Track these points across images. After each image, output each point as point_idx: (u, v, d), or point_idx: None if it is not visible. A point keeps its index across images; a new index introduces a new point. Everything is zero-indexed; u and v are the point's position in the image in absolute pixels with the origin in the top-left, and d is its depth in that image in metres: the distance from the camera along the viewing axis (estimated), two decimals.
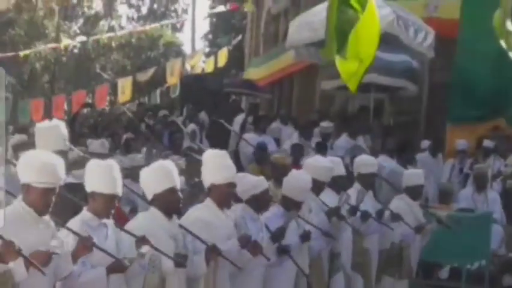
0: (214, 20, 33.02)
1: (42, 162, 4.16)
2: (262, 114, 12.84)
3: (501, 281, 8.65)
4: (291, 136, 11.44)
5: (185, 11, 38.97)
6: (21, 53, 21.98)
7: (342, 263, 6.78)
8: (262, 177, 5.78)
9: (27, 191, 4.15)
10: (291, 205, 5.92)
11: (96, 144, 8.72)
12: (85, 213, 4.58)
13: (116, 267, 4.41)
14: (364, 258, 7.13)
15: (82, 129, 11.93)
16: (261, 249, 5.32)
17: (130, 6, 40.04)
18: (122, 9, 40.35)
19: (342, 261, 6.81)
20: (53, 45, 23.47)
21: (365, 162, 7.37)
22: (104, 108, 18.58)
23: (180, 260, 4.68)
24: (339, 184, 6.78)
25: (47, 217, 4.24)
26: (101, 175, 4.54)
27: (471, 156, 11.33)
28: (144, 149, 9.07)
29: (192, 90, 15.25)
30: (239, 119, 12.31)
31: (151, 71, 22.58)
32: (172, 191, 4.84)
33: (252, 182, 5.64)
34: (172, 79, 21.07)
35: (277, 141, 11.07)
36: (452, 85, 11.93)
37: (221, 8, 26.02)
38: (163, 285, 4.71)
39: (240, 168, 8.92)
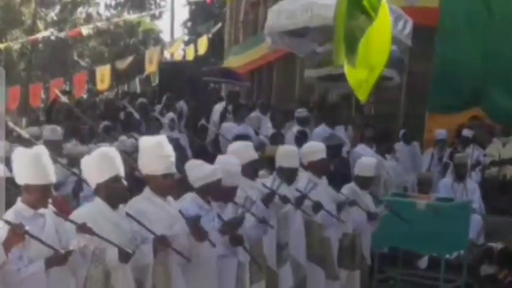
0: (193, 7, 32.82)
1: None
2: (241, 103, 12.74)
3: (479, 270, 8.67)
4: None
5: None
6: (1, 46, 21.70)
7: (289, 253, 6.58)
8: (217, 167, 5.49)
9: None
10: (228, 193, 5.63)
11: (47, 130, 8.32)
12: (19, 204, 4.38)
13: (55, 258, 4.21)
14: (324, 249, 6.96)
15: (59, 117, 11.76)
16: (207, 235, 5.07)
17: None
18: None
19: (292, 251, 6.61)
20: (32, 37, 23.19)
21: (314, 149, 7.13)
22: (82, 96, 18.40)
23: (126, 251, 4.46)
24: (291, 175, 6.63)
25: None
26: (30, 165, 4.34)
27: (450, 145, 11.35)
28: (122, 138, 8.93)
29: (171, 78, 15.11)
30: (219, 107, 12.22)
31: (129, 59, 22.47)
32: (115, 179, 4.63)
33: (206, 171, 5.38)
34: (151, 67, 21.02)
35: (256, 131, 10.99)
36: (432, 74, 11.92)
37: None
38: (107, 279, 4.53)
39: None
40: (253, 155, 6.29)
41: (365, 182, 7.48)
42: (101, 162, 4.66)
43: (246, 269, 5.79)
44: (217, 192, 5.47)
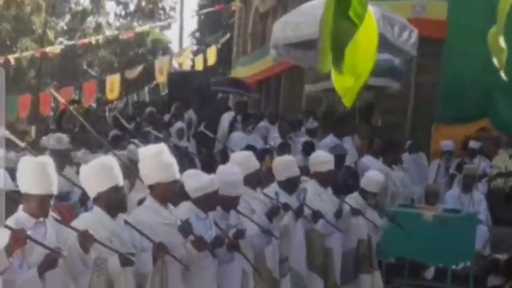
0: (202, 17, 32.95)
1: None
2: (251, 113, 12.82)
3: (486, 281, 8.69)
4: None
5: (173, 9, 38.94)
6: (11, 57, 21.83)
7: (290, 267, 6.62)
8: (214, 177, 5.50)
9: None
10: (229, 203, 5.69)
11: (53, 139, 8.21)
12: (20, 213, 4.40)
13: (48, 260, 4.19)
14: (326, 259, 7.02)
15: (68, 125, 11.84)
16: (207, 245, 5.14)
17: (118, 3, 39.91)
18: (109, 5, 40.28)
19: (293, 263, 6.65)
20: (42, 49, 23.34)
21: (321, 160, 7.20)
22: (91, 105, 18.51)
23: (128, 257, 4.50)
24: (292, 184, 6.68)
25: None
26: (33, 175, 4.36)
27: (457, 156, 11.38)
28: (130, 147, 8.99)
29: (180, 88, 15.19)
30: (227, 116, 12.28)
31: (139, 68, 22.55)
32: (116, 189, 4.67)
33: (203, 182, 5.39)
34: (161, 77, 21.08)
35: (265, 140, 11.06)
36: (439, 86, 11.98)
37: (209, 8, 26.01)
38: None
39: None
40: (256, 164, 6.32)
41: (369, 195, 7.54)
42: (101, 172, 4.68)
43: (250, 278, 5.83)
44: (214, 202, 5.48)
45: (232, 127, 11.59)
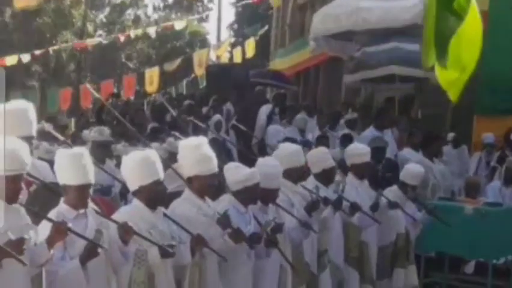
0: (240, 9, 32.95)
1: (6, 150, 4.02)
2: (288, 105, 12.77)
3: None
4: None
5: (211, 1, 38.99)
6: (51, 49, 22.12)
7: (330, 259, 6.62)
8: (255, 170, 5.51)
9: None
10: (268, 196, 5.68)
11: (95, 131, 8.28)
12: (61, 206, 4.44)
13: (89, 250, 4.24)
14: (361, 253, 6.98)
15: (108, 118, 11.94)
16: (244, 237, 5.15)
17: None
18: None
19: (332, 255, 6.65)
20: (79, 42, 23.59)
21: (358, 152, 7.16)
22: (130, 98, 18.63)
23: (167, 249, 4.53)
24: (328, 176, 6.65)
25: (17, 206, 4.14)
26: (69, 166, 4.39)
27: (498, 149, 11.21)
28: (169, 139, 9.02)
29: (218, 80, 15.23)
30: (265, 109, 12.26)
31: (177, 61, 22.64)
32: (157, 183, 4.72)
33: (245, 174, 5.42)
34: (200, 69, 21.15)
35: (303, 133, 11.02)
36: (480, 77, 11.79)
37: (247, 1, 25.99)
38: (151, 280, 4.58)
39: None
40: (300, 160, 6.32)
41: (408, 188, 7.47)
42: (143, 166, 4.72)
43: (288, 273, 5.82)
44: (254, 195, 5.49)
45: (269, 120, 11.57)
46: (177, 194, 5.36)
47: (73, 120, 14.56)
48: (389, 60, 10.69)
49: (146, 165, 4.72)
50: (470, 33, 2.36)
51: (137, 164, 4.74)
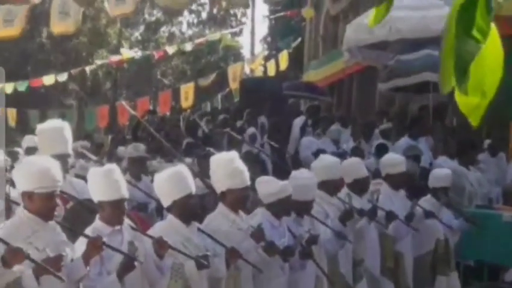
0: (273, 22, 33.03)
1: (40, 169, 4.12)
2: (321, 116, 12.77)
3: None
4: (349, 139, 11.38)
5: (244, 15, 39.13)
6: (87, 68, 22.47)
7: (366, 269, 6.61)
8: (287, 182, 5.59)
9: (29, 199, 4.14)
10: (302, 208, 5.72)
11: (130, 148, 8.51)
12: (97, 222, 4.53)
13: (125, 264, 4.31)
14: (396, 264, 6.94)
15: (144, 135, 12.08)
16: (278, 250, 5.20)
17: (190, 11, 40.40)
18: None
19: (368, 266, 6.63)
20: (116, 57, 23.90)
21: (393, 162, 7.16)
22: (166, 114, 18.81)
23: (202, 260, 4.60)
24: (361, 186, 6.67)
25: (53, 223, 4.22)
26: (103, 182, 4.49)
27: None
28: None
29: (252, 94, 15.30)
30: (298, 121, 12.28)
31: (212, 76, 22.77)
32: (189, 197, 4.80)
33: (276, 187, 5.48)
34: (234, 83, 21.24)
35: (337, 144, 11.00)
36: None
37: (280, 13, 26.06)
38: None
39: None
40: (338, 173, 6.37)
41: (440, 193, 7.43)
42: (174, 181, 4.80)
43: (324, 283, 5.85)
44: (287, 208, 5.54)
45: (303, 132, 11.59)
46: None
47: (109, 137, 14.74)
48: (422, 67, 10.64)
49: (177, 180, 4.81)
50: (491, 57, 2.36)
51: (169, 180, 4.82)
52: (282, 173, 6.69)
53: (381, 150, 9.71)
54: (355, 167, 6.72)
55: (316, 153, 9.68)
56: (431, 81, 10.93)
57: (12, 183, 4.76)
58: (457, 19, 2.29)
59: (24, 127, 21.34)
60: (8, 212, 5.80)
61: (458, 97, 2.39)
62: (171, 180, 4.82)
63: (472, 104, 2.45)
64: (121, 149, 9.72)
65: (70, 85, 31.33)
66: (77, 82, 31.12)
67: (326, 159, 6.64)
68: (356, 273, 6.49)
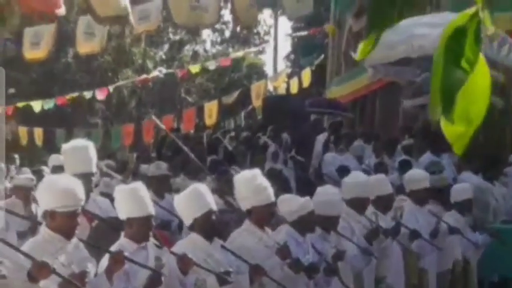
0: (296, 40, 33.14)
1: (63, 187, 4.19)
2: (344, 133, 12.78)
3: None
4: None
5: (267, 33, 39.26)
6: (111, 88, 22.74)
7: (388, 285, 6.61)
8: (308, 198, 5.66)
9: (51, 217, 4.20)
10: (328, 223, 5.78)
11: (152, 167, 8.54)
12: (123, 239, 4.60)
13: (153, 280, 4.36)
14: (421, 280, 6.94)
15: (168, 153, 12.17)
16: (303, 267, 5.23)
17: (214, 30, 40.64)
18: (206, 33, 40.98)
19: (392, 282, 6.63)
20: (142, 77, 24.19)
21: (416, 178, 7.20)
22: (189, 132, 18.91)
23: (224, 276, 4.66)
24: (385, 203, 6.70)
25: (75, 240, 4.29)
26: (130, 199, 4.55)
27: None
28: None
29: (274, 111, 15.36)
30: (321, 137, 12.30)
31: (236, 94, 22.86)
32: (209, 214, 4.86)
33: (299, 203, 5.55)
34: (258, 101, 21.31)
35: (360, 160, 11.00)
36: None
37: (303, 31, 26.14)
38: None
39: None
40: (366, 191, 6.40)
41: (465, 205, 7.41)
42: (194, 199, 4.88)
43: None
44: (310, 224, 5.59)
45: (325, 148, 11.60)
46: None
47: (134, 155, 14.86)
48: None
49: (196, 198, 4.88)
50: (478, 86, 2.40)
51: (188, 198, 4.91)
52: (305, 189, 6.72)
53: (405, 166, 9.71)
54: (379, 184, 6.74)
55: (339, 170, 9.71)
56: None
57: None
58: (445, 49, 2.34)
59: (51, 146, 21.60)
60: (34, 231, 5.91)
61: (444, 125, 2.45)
62: (190, 198, 4.90)
63: (457, 132, 2.49)
64: (144, 167, 9.80)
65: (96, 104, 31.62)
66: (102, 101, 31.40)
67: (357, 176, 6.71)
68: None
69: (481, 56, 2.37)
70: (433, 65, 2.36)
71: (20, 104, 22.65)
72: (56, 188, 4.22)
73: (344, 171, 9.42)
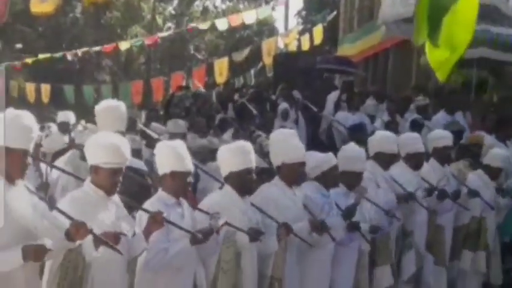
0: None
1: (109, 144, 4.24)
2: (356, 92, 12.57)
3: None
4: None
5: None
6: (120, 44, 22.57)
7: (415, 242, 6.70)
8: (330, 154, 5.78)
9: (95, 172, 4.26)
10: (352, 179, 5.88)
11: (170, 124, 8.76)
12: (161, 193, 4.71)
13: (195, 238, 4.49)
14: (436, 236, 6.99)
15: (176, 111, 12.02)
16: (328, 230, 5.34)
17: None
18: None
19: (416, 240, 6.72)
20: (149, 38, 24.02)
21: (439, 136, 7.24)
22: (198, 89, 18.79)
23: (254, 235, 4.84)
24: (416, 161, 6.73)
25: (115, 197, 4.34)
26: (174, 154, 4.66)
27: None
28: (209, 137, 9.00)
29: (285, 69, 15.15)
30: (332, 96, 12.11)
31: (246, 51, 22.64)
32: (248, 171, 5.00)
33: (320, 159, 5.69)
34: (268, 58, 21.10)
35: (372, 118, 10.83)
36: None
37: None
38: (238, 259, 4.82)
39: (333, 147, 8.80)
40: (392, 148, 6.54)
41: (494, 173, 7.44)
42: (238, 153, 5.03)
43: (365, 256, 6.01)
44: (333, 179, 5.71)
45: (337, 107, 11.42)
46: None
47: (143, 113, 14.71)
48: (479, 42, 10.30)
49: (240, 153, 5.03)
50: (464, 13, 2.27)
51: (233, 151, 5.05)
52: (316, 148, 6.62)
53: (416, 126, 9.58)
54: (410, 141, 6.77)
55: (351, 128, 9.57)
56: (487, 57, 10.71)
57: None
58: None
59: (59, 103, 21.52)
60: (46, 190, 5.90)
61: (429, 50, 2.34)
62: (234, 152, 5.03)
63: (441, 58, 2.39)
64: (154, 125, 9.70)
65: (104, 61, 31.47)
66: (110, 58, 31.24)
67: (383, 133, 6.87)
68: (405, 244, 6.65)
69: None
70: None
71: (29, 60, 22.52)
72: (102, 144, 4.25)
73: (355, 130, 9.30)
